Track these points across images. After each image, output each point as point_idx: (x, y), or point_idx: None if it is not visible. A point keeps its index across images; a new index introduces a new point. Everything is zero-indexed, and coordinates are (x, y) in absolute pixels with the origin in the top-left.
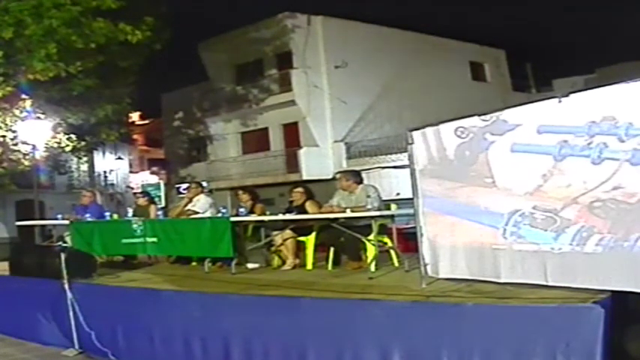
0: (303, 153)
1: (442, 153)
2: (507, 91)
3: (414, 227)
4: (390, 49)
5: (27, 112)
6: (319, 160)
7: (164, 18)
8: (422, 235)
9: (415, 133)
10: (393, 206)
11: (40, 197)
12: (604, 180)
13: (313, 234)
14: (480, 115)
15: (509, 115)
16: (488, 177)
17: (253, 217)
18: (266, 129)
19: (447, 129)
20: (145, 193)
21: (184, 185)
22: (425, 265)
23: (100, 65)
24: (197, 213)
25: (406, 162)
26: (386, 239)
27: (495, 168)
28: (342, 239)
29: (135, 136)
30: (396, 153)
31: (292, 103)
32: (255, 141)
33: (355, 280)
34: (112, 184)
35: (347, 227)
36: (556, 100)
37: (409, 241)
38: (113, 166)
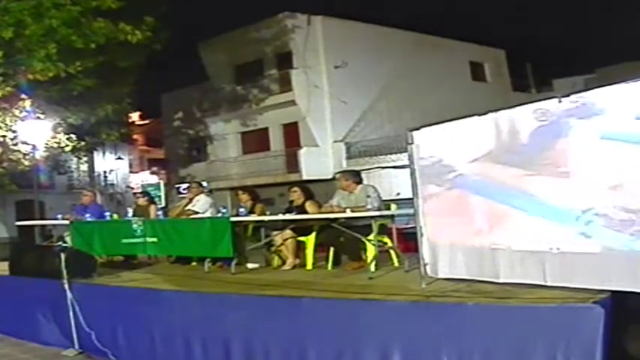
0: (303, 153)
1: (514, 137)
2: (507, 91)
3: (414, 227)
4: (390, 49)
5: (27, 112)
6: (319, 160)
7: (164, 18)
8: (422, 235)
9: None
10: (393, 206)
11: (40, 197)
12: None
13: (313, 234)
14: (479, 115)
15: (598, 97)
16: (563, 166)
17: (253, 217)
18: (266, 129)
19: (525, 111)
20: (145, 193)
21: (184, 185)
22: (425, 265)
23: (100, 65)
24: (197, 213)
25: (406, 162)
26: (386, 239)
27: (573, 157)
28: (342, 239)
29: (135, 136)
30: (396, 153)
31: (292, 103)
32: (255, 141)
33: (355, 280)
34: (112, 184)
35: (347, 227)
36: (556, 100)
37: (409, 241)
38: (113, 166)
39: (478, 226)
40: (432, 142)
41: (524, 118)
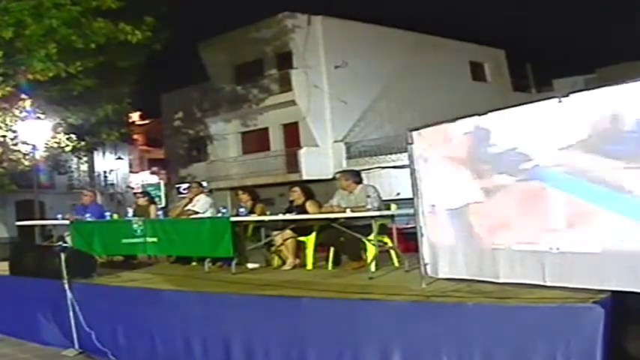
0: (303, 153)
1: (618, 122)
2: (507, 91)
3: (414, 227)
4: (390, 49)
5: (27, 112)
6: (319, 160)
7: (164, 18)
8: (422, 235)
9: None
10: (393, 206)
11: (40, 197)
12: None
13: (313, 234)
14: (479, 115)
15: None
16: None
17: (253, 217)
18: (266, 129)
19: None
20: (145, 193)
21: (184, 185)
22: (425, 265)
23: (100, 65)
24: (197, 213)
25: (406, 162)
26: (386, 239)
27: None
28: (342, 239)
29: (135, 136)
30: (396, 153)
31: (292, 103)
32: (255, 141)
33: (355, 280)
34: (112, 184)
35: (347, 227)
36: (556, 100)
37: (409, 241)
38: (113, 166)
39: (553, 223)
40: (508, 128)
41: (635, 99)
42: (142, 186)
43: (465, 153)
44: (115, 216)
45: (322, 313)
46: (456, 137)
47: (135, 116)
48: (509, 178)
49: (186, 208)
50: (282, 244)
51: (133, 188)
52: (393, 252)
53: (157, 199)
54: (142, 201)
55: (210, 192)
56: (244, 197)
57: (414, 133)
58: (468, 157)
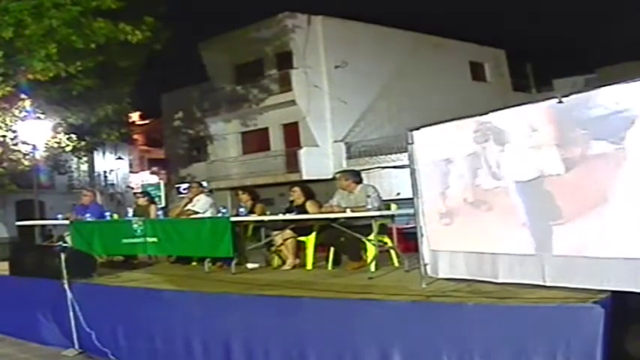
0: (303, 153)
1: None
2: (507, 91)
3: (414, 227)
4: (390, 49)
5: (27, 112)
6: (319, 160)
7: (164, 18)
8: (422, 235)
9: None
10: (393, 206)
11: (40, 197)
12: None
13: (313, 234)
14: (480, 115)
15: None
16: None
17: (253, 217)
18: (266, 129)
19: None
20: (145, 193)
21: (184, 185)
22: (425, 265)
23: (100, 65)
24: (197, 213)
25: (406, 162)
26: (386, 239)
27: None
28: (342, 239)
29: (135, 136)
30: (396, 153)
31: (292, 103)
32: (255, 141)
33: (355, 280)
34: (112, 184)
35: (347, 227)
36: (556, 100)
37: (409, 241)
38: (113, 166)
39: None
40: (621, 89)
41: None
42: (142, 186)
43: (548, 121)
44: (115, 216)
45: (322, 313)
46: (538, 108)
47: (135, 116)
48: (609, 145)
49: (186, 208)
50: (282, 244)
51: (133, 188)
52: (393, 252)
53: (157, 199)
54: (142, 201)
55: (210, 192)
56: (244, 197)
57: (413, 134)
58: (552, 124)
